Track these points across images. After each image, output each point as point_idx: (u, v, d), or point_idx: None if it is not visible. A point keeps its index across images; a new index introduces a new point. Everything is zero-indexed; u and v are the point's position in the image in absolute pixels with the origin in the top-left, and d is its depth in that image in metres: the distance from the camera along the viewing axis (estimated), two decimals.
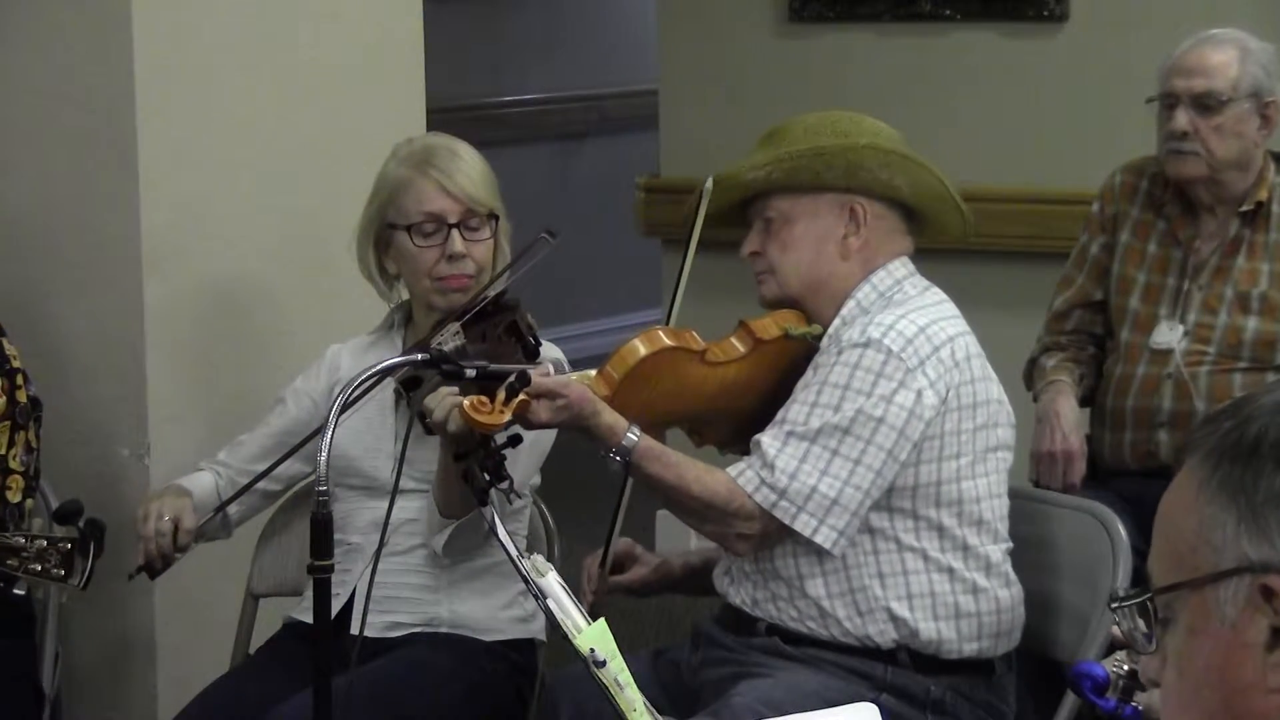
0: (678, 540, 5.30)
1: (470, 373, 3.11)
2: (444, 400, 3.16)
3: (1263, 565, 1.50)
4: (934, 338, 3.27)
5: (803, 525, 3.23)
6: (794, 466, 3.22)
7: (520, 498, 3.30)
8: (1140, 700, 2.55)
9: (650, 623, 5.29)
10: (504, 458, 3.06)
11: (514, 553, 2.71)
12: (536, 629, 3.55)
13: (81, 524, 3.34)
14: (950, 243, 3.50)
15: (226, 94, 4.00)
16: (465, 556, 3.49)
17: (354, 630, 3.27)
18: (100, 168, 3.93)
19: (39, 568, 3.30)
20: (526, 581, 2.54)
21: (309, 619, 3.18)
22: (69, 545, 3.30)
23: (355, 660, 3.13)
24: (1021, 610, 3.37)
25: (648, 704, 2.37)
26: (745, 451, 3.34)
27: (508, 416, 3.05)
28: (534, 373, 3.12)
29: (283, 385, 3.69)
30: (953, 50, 5.44)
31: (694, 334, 3.34)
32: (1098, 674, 2.63)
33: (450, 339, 3.22)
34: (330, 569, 2.99)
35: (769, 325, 3.36)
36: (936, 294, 3.39)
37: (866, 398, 3.22)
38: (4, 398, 3.55)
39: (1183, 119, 4.03)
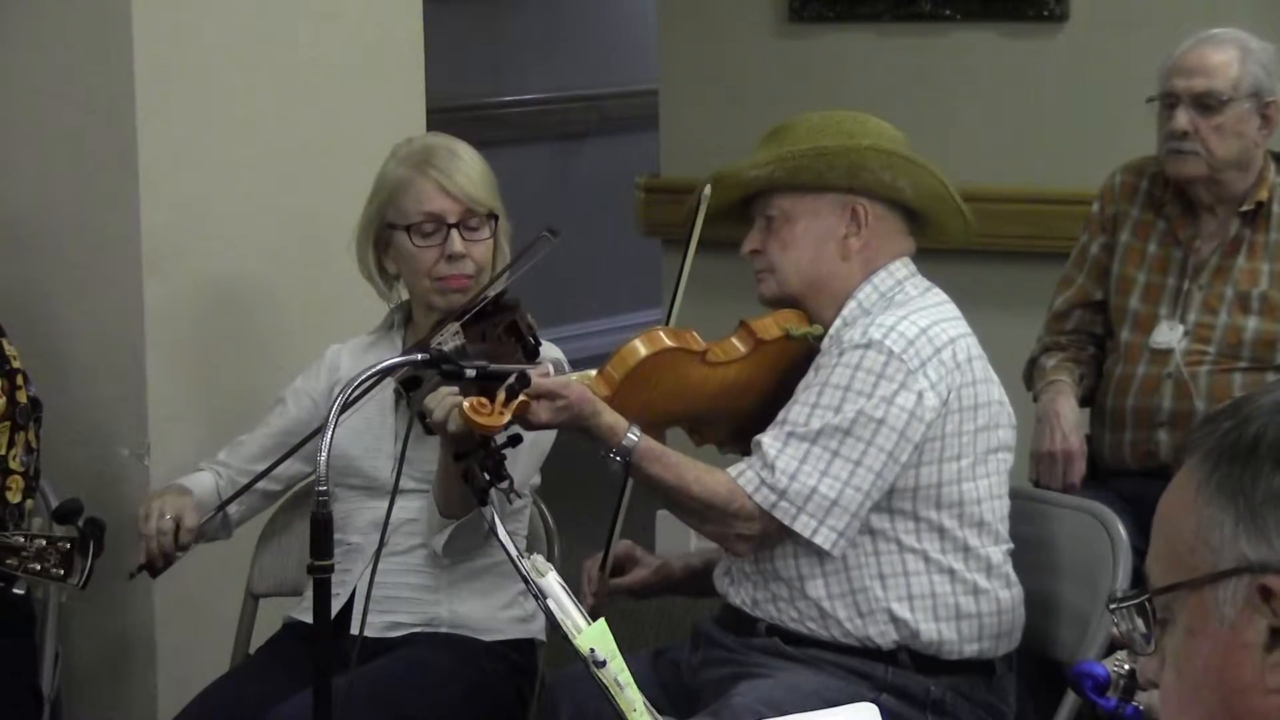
0: (678, 540, 5.29)
1: (470, 373, 3.11)
2: (444, 400, 3.16)
3: (1261, 565, 1.50)
4: (935, 339, 3.27)
5: (802, 526, 3.23)
6: (794, 467, 3.22)
7: (520, 498, 3.30)
8: (1141, 700, 2.56)
9: (650, 623, 5.29)
10: (504, 458, 3.06)
11: (514, 553, 2.71)
12: (536, 629, 3.55)
13: (81, 523, 3.34)
14: (951, 244, 3.49)
15: (226, 94, 4.00)
16: (465, 556, 3.49)
17: (354, 630, 3.27)
18: (100, 168, 3.93)
19: (38, 567, 3.30)
20: (526, 581, 2.54)
21: (309, 619, 3.18)
22: (68, 545, 3.30)
23: (355, 660, 3.13)
24: (1022, 611, 3.37)
25: (648, 704, 2.37)
26: (745, 451, 3.34)
27: (508, 418, 3.05)
28: (534, 373, 3.12)
29: (283, 385, 3.69)
30: (953, 50, 5.44)
31: (694, 334, 3.34)
32: (1099, 673, 2.63)
33: (450, 339, 3.22)
34: (330, 569, 2.99)
35: (770, 325, 3.36)
36: (938, 295, 3.39)
37: (867, 399, 3.22)
38: (4, 398, 3.55)
39: (1183, 119, 4.03)
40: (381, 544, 3.18)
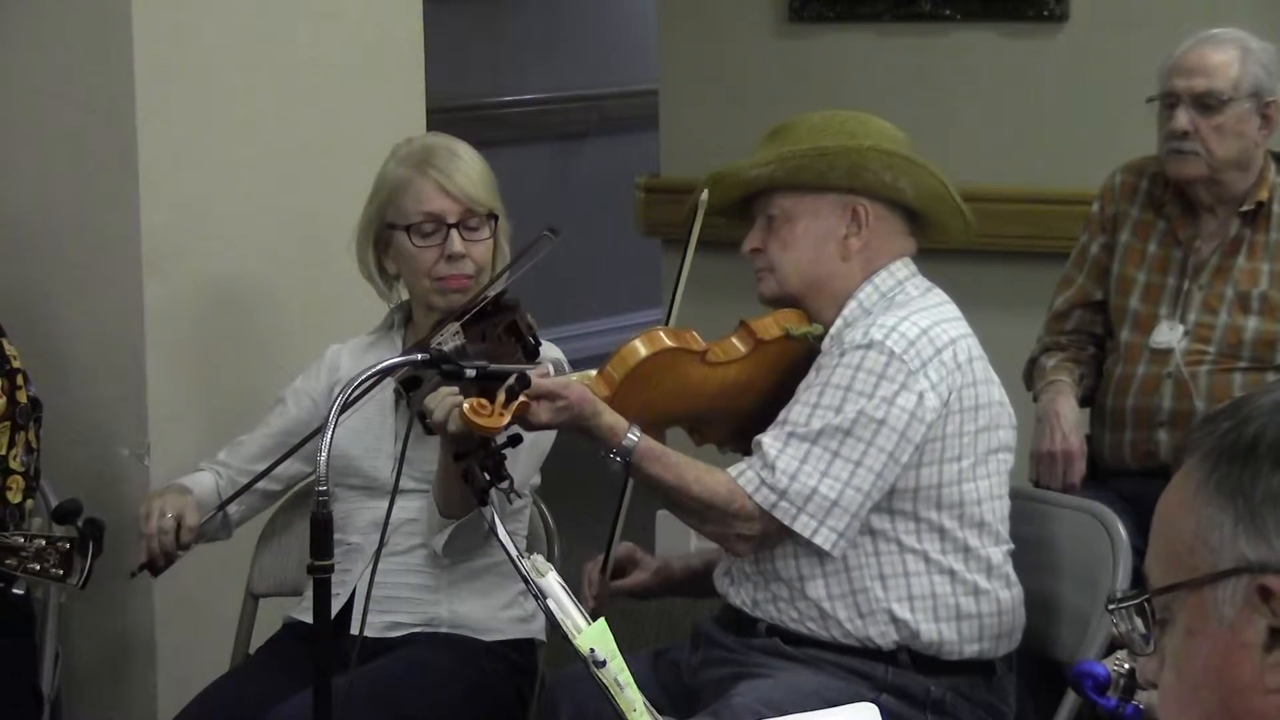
0: (678, 541, 5.29)
1: (470, 373, 3.11)
2: (444, 400, 3.16)
3: (1260, 565, 1.50)
4: (936, 340, 3.27)
5: (802, 526, 3.22)
6: (794, 467, 3.21)
7: (520, 498, 3.30)
8: (1141, 699, 2.56)
9: (650, 623, 5.29)
10: (504, 458, 3.06)
11: (514, 553, 2.71)
12: (536, 629, 3.55)
13: (80, 523, 3.34)
14: (951, 244, 3.49)
15: (226, 94, 4.00)
16: (465, 556, 3.49)
17: (354, 630, 3.27)
18: (100, 168, 3.93)
19: (38, 567, 3.30)
20: (526, 581, 2.54)
21: (309, 619, 3.18)
22: (68, 545, 3.30)
23: (355, 660, 3.13)
24: (1022, 611, 3.37)
25: (648, 704, 2.37)
26: (745, 450, 3.34)
27: (508, 419, 3.05)
28: (534, 374, 3.12)
29: (283, 385, 3.69)
30: (953, 50, 5.44)
31: (694, 334, 3.34)
32: (1099, 673, 2.63)
33: (450, 339, 3.22)
34: (330, 569, 2.99)
35: (770, 325, 3.36)
36: (938, 295, 3.39)
37: (868, 400, 3.22)
38: (4, 398, 3.55)
39: (1183, 118, 4.03)
40: (381, 544, 3.18)
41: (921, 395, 3.23)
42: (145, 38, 3.87)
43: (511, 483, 3.07)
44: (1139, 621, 1.58)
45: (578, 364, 3.45)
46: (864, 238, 3.35)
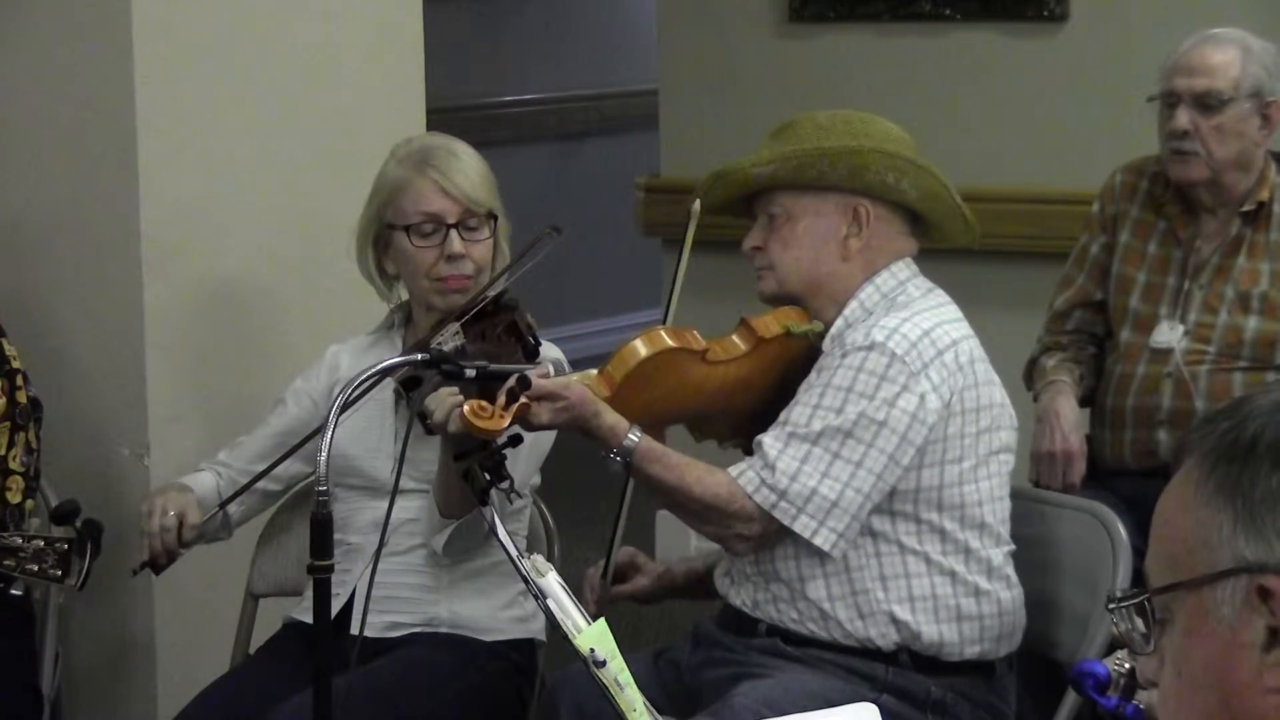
0: (678, 541, 5.30)
1: (470, 373, 3.11)
2: (444, 401, 3.16)
3: (1259, 566, 1.50)
4: (938, 341, 3.27)
5: (802, 527, 3.22)
6: (795, 468, 3.21)
7: (520, 498, 3.30)
8: (1141, 699, 2.56)
9: (650, 623, 5.29)
10: (504, 458, 3.06)
11: (514, 553, 2.71)
12: (536, 629, 3.55)
13: (78, 524, 3.34)
14: (952, 245, 3.49)
15: (226, 94, 3.99)
16: (465, 556, 3.48)
17: (354, 630, 3.27)
18: (100, 168, 3.93)
19: (36, 568, 3.30)
20: (526, 581, 2.54)
21: (309, 619, 3.19)
22: (66, 545, 3.30)
23: (355, 660, 3.13)
24: (1023, 612, 3.37)
25: (648, 704, 2.36)
26: (746, 446, 3.34)
27: (508, 421, 3.05)
28: (534, 374, 3.12)
29: (283, 385, 3.69)
30: (953, 50, 5.44)
31: (695, 333, 3.34)
32: (1099, 672, 2.63)
33: (450, 339, 3.22)
34: (330, 569, 2.99)
35: (770, 323, 3.36)
36: (940, 296, 3.38)
37: (869, 401, 3.22)
38: (4, 398, 3.55)
39: (1184, 118, 4.03)
40: (381, 544, 3.17)
41: (923, 397, 3.23)
42: (145, 38, 3.87)
43: (512, 483, 3.07)
44: (1139, 621, 1.58)
45: (577, 364, 3.45)
46: (864, 238, 3.34)
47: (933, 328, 3.28)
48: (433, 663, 3.43)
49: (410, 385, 3.29)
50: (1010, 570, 3.36)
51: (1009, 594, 3.34)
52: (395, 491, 3.16)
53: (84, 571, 3.32)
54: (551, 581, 2.48)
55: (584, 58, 8.96)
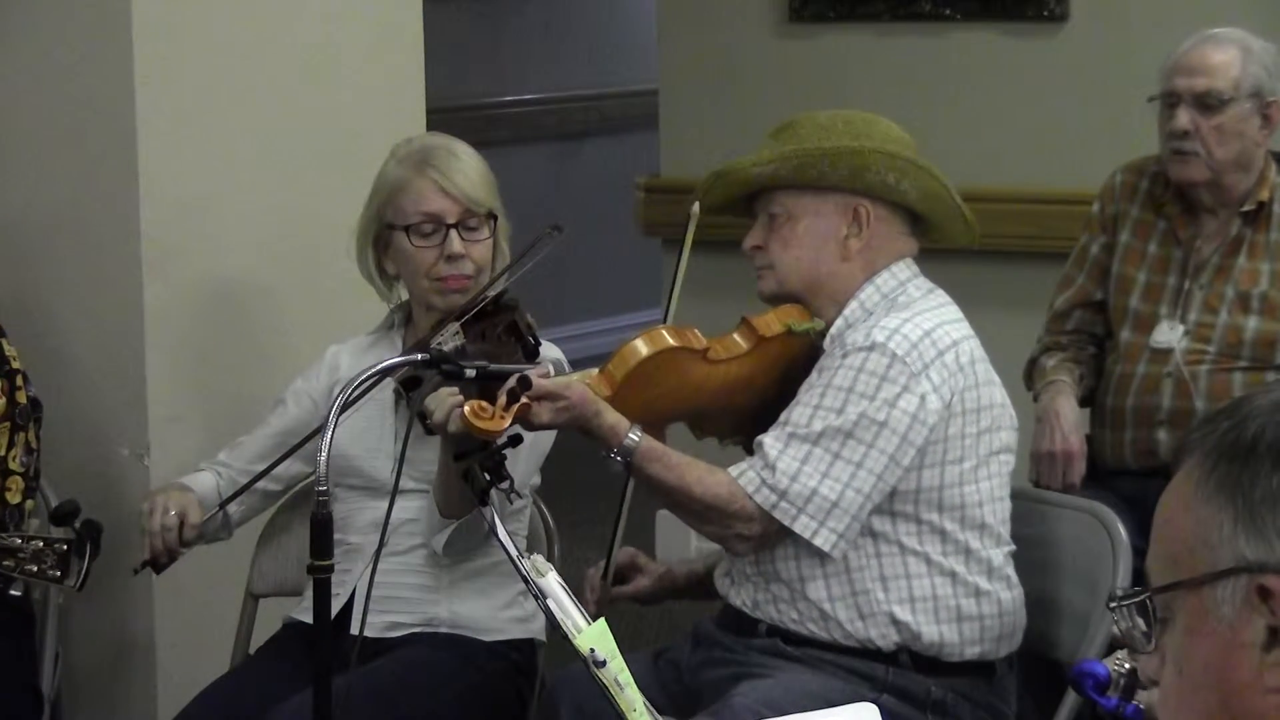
0: (678, 541, 5.30)
1: (470, 373, 3.11)
2: (444, 401, 3.16)
3: (1259, 565, 1.50)
4: (939, 342, 3.27)
5: (802, 527, 3.22)
6: (795, 468, 3.21)
7: (520, 498, 3.30)
8: (1141, 699, 2.55)
9: (651, 623, 5.29)
10: (504, 458, 3.06)
11: (514, 553, 2.71)
12: (536, 629, 3.54)
13: (78, 525, 3.34)
14: (952, 245, 3.49)
15: (226, 94, 3.99)
16: (465, 556, 3.48)
17: (354, 630, 3.27)
18: (100, 168, 3.93)
19: (35, 569, 3.30)
20: (526, 581, 2.54)
21: (309, 619, 3.18)
22: (65, 546, 3.31)
23: (355, 660, 3.13)
24: (1023, 613, 3.37)
25: (648, 704, 2.36)
26: (747, 444, 3.34)
27: (509, 421, 3.04)
28: (534, 374, 3.12)
29: (283, 386, 3.69)
30: (953, 50, 5.44)
31: (696, 332, 3.34)
32: (1099, 672, 2.63)
33: (450, 339, 3.22)
34: (330, 569, 2.99)
35: (771, 321, 3.36)
36: (940, 296, 3.38)
37: (870, 401, 3.21)
38: (4, 399, 3.55)
39: (1184, 118, 4.02)
40: (381, 544, 3.17)
41: (923, 398, 3.23)
42: (145, 38, 3.87)
43: (512, 483, 3.07)
44: (1140, 620, 1.58)
45: (577, 364, 3.45)
46: (864, 239, 3.34)
47: (933, 328, 3.28)
48: (433, 663, 3.42)
49: (410, 385, 3.29)
50: (1010, 570, 3.36)
51: (1009, 594, 3.34)
52: (395, 491, 3.15)
53: (83, 572, 3.32)
54: (551, 581, 2.48)
55: (584, 58, 8.96)
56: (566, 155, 8.93)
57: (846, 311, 3.34)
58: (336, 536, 3.08)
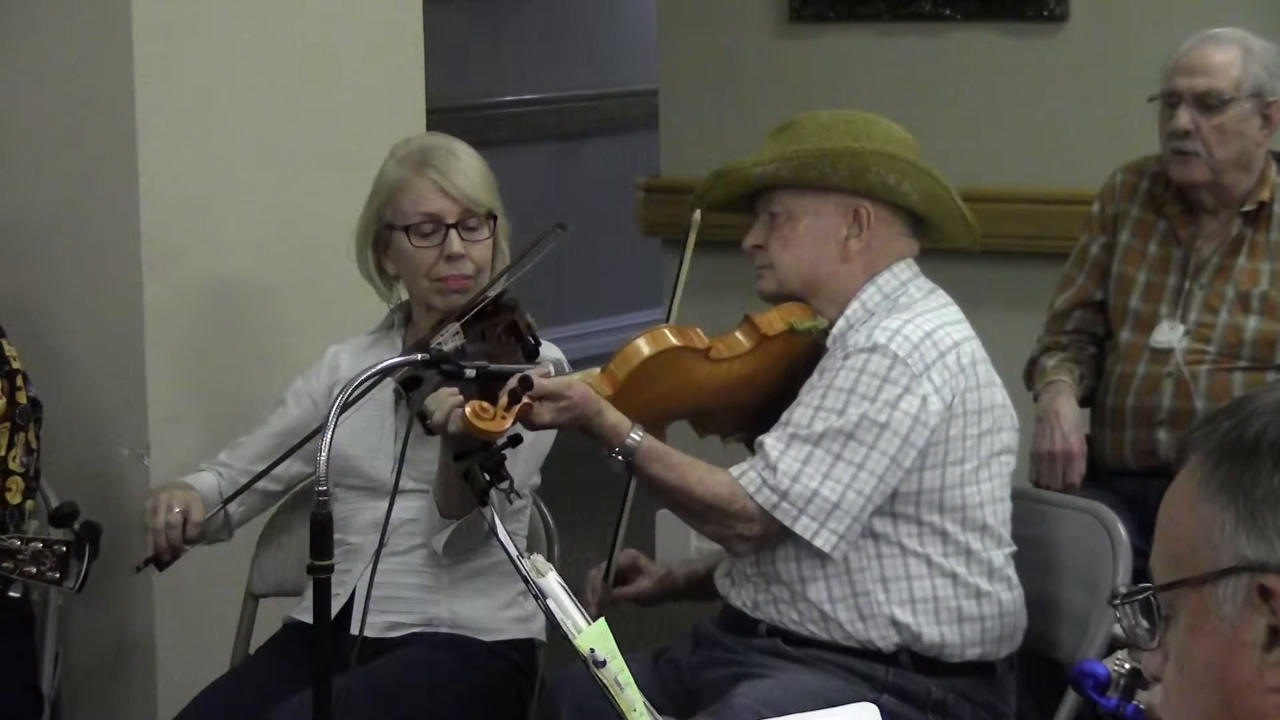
0: (678, 541, 5.30)
1: (470, 373, 3.11)
2: (444, 401, 3.16)
3: (1260, 565, 1.50)
4: (940, 343, 3.27)
5: (803, 528, 3.22)
6: (796, 469, 3.21)
7: (520, 498, 3.30)
8: (1142, 699, 2.55)
9: (650, 623, 5.28)
10: (504, 458, 3.06)
11: (514, 553, 2.71)
12: (536, 629, 3.54)
13: (77, 526, 3.34)
14: (952, 245, 3.49)
15: (226, 94, 3.99)
16: (465, 556, 3.48)
17: (354, 630, 3.27)
18: (100, 168, 3.93)
19: (34, 570, 3.30)
20: (526, 581, 2.53)
21: (309, 619, 3.18)
22: (64, 548, 3.30)
23: (355, 660, 3.13)
24: (1024, 613, 3.37)
25: (648, 704, 2.36)
26: (749, 441, 3.34)
27: (510, 421, 3.04)
28: (535, 374, 3.12)
29: (283, 386, 3.69)
30: (953, 50, 5.44)
31: (698, 331, 3.33)
32: (1099, 672, 2.63)
33: (450, 339, 3.22)
34: (330, 569, 2.99)
35: (774, 319, 3.36)
36: (941, 297, 3.38)
37: (871, 403, 3.21)
38: (4, 399, 3.54)
39: (1185, 118, 4.02)
40: (381, 544, 3.17)
41: (925, 399, 3.23)
42: (145, 38, 3.87)
43: (511, 483, 3.07)
44: (1143, 618, 1.58)
45: (577, 364, 3.45)
46: (865, 239, 3.34)
47: (935, 329, 3.28)
48: (433, 663, 3.42)
49: (410, 385, 3.29)
50: (1011, 571, 3.36)
51: (1010, 595, 3.34)
52: (395, 491, 3.16)
53: (82, 574, 3.32)
54: (551, 581, 2.48)
55: (584, 58, 8.96)
56: (566, 155, 8.93)
57: (848, 312, 3.34)
58: (336, 536, 3.08)
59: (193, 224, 3.96)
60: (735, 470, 3.26)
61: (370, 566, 3.18)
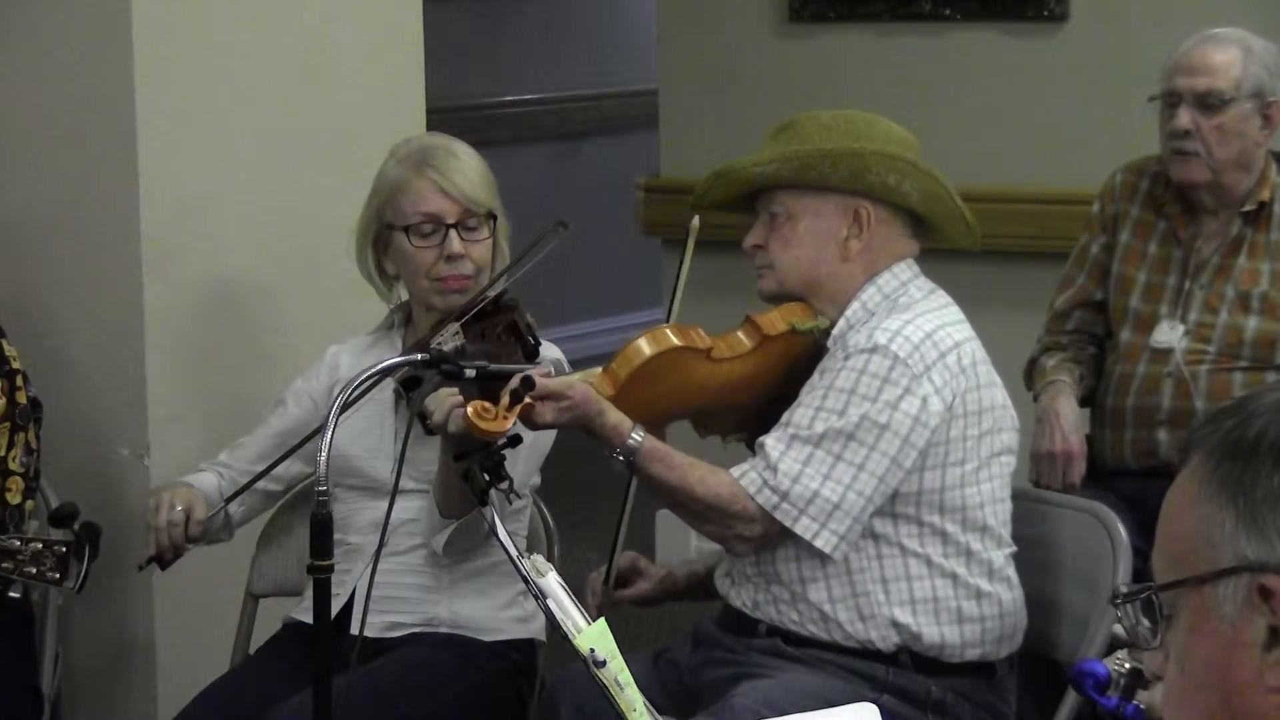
0: (678, 540, 5.30)
1: (470, 373, 3.11)
2: (444, 401, 3.16)
3: (1260, 565, 1.50)
4: (940, 344, 3.26)
5: (804, 529, 3.22)
6: (797, 470, 3.21)
7: (520, 498, 3.30)
8: (1142, 698, 2.55)
9: (651, 623, 5.28)
10: (504, 458, 3.06)
11: (514, 553, 2.71)
12: (536, 629, 3.54)
13: (77, 527, 3.34)
14: (952, 245, 3.49)
15: (226, 94, 3.99)
16: (465, 556, 3.48)
17: (354, 630, 3.27)
18: (100, 168, 3.93)
19: (34, 570, 3.30)
20: (526, 581, 2.53)
21: (309, 619, 3.18)
22: (64, 548, 3.30)
23: (355, 660, 3.13)
24: (1024, 613, 3.37)
25: (648, 704, 2.36)
26: (749, 440, 3.34)
27: (512, 422, 3.04)
28: (537, 374, 3.12)
29: (283, 386, 3.69)
30: (953, 50, 5.44)
31: (700, 331, 3.33)
32: (1099, 672, 2.63)
33: (450, 339, 3.22)
34: (330, 569, 2.99)
35: (776, 320, 3.36)
36: (941, 297, 3.38)
37: (872, 403, 3.21)
38: (4, 399, 3.54)
39: (1185, 118, 4.02)
40: (381, 544, 3.17)
41: (925, 400, 3.23)
42: (145, 38, 3.86)
43: (511, 483, 3.07)
44: (1145, 618, 1.58)
45: (577, 364, 3.45)
46: (865, 240, 3.34)
47: (935, 330, 3.28)
48: (433, 663, 3.42)
49: (410, 385, 3.29)
50: (1011, 572, 3.35)
51: (1010, 595, 3.34)
52: (395, 491, 3.16)
53: (82, 574, 3.32)
54: (551, 581, 2.48)
55: (584, 58, 8.96)
56: (566, 155, 8.93)
57: (848, 312, 3.34)
58: (336, 536, 3.08)
59: (193, 224, 3.96)
60: (736, 471, 3.26)
61: (370, 566, 3.18)
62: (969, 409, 3.27)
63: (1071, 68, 5.30)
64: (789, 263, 3.36)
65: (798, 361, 3.35)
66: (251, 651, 3.69)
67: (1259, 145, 4.08)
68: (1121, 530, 3.37)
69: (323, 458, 2.97)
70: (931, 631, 3.27)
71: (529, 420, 3.12)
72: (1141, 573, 3.29)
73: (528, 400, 3.07)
